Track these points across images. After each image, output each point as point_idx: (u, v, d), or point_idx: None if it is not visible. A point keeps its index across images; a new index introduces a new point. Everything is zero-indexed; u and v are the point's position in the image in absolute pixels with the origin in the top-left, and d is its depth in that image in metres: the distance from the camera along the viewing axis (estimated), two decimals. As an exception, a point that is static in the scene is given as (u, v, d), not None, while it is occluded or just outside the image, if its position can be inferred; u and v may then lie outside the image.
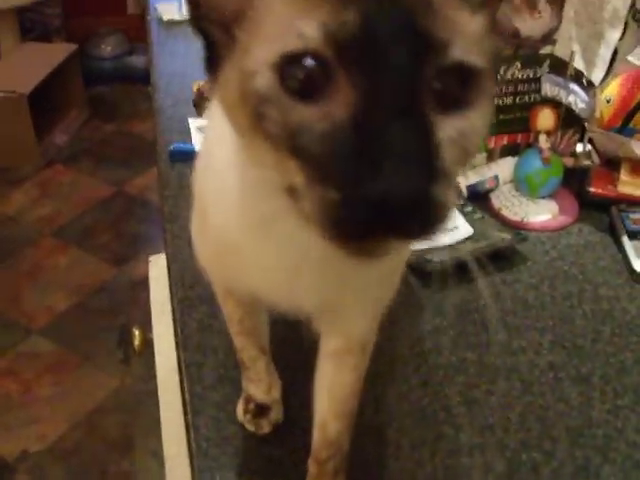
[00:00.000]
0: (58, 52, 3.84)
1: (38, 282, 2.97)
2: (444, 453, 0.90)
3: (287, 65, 0.51)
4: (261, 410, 0.94)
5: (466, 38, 0.54)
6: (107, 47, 4.30)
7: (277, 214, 0.60)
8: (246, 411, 0.94)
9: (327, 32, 0.51)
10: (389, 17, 0.51)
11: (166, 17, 1.99)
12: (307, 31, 0.51)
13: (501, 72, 1.22)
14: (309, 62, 0.51)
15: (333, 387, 0.85)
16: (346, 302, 0.77)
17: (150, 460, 2.27)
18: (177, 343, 1.05)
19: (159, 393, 1.13)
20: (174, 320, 1.08)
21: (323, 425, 0.86)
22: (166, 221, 1.22)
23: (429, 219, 0.51)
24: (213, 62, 0.58)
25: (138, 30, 4.32)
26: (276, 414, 0.95)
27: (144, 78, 4.20)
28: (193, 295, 1.09)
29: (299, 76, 0.51)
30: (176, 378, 1.05)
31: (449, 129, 0.53)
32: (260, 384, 0.94)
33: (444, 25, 0.52)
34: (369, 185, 0.48)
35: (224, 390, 0.97)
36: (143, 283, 2.84)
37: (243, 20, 0.55)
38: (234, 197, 0.69)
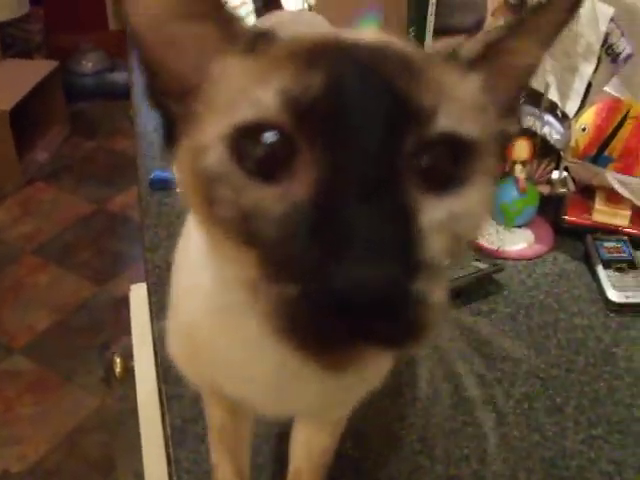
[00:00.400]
0: (39, 69, 3.84)
1: (19, 300, 2.97)
2: (418, 486, 0.92)
3: (241, 138, 0.45)
4: None
5: (456, 104, 0.47)
6: (88, 63, 4.31)
7: (242, 312, 0.50)
8: None
9: (286, 98, 0.44)
10: (360, 80, 0.45)
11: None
12: (263, 98, 0.44)
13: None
14: (267, 135, 0.44)
15: (309, 446, 0.84)
16: (330, 402, 0.71)
17: (132, 480, 2.27)
18: (158, 375, 1.06)
19: (140, 421, 1.14)
20: (155, 352, 1.08)
21: (298, 474, 0.85)
22: (146, 250, 1.23)
23: (409, 321, 0.42)
24: (171, 138, 0.51)
25: (120, 46, 4.33)
26: None
27: (126, 94, 4.19)
28: (174, 326, 1.10)
29: (255, 151, 0.44)
30: (157, 407, 1.06)
31: (437, 212, 0.45)
32: None
33: (428, 89, 0.46)
34: (330, 276, 0.40)
35: (205, 423, 0.98)
36: (124, 301, 2.84)
37: (199, 92, 0.49)
38: (201, 290, 0.61)
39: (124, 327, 2.61)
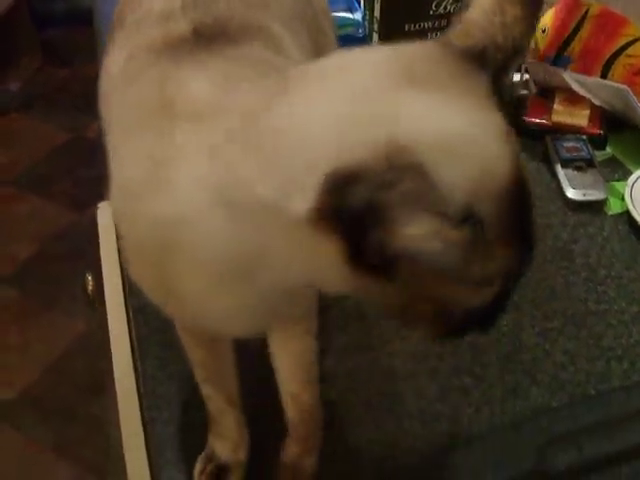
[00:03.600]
0: (4, -2, 3.76)
1: (-1, 231, 2.97)
2: (378, 379, 0.94)
3: None
4: (219, 474, 0.89)
5: None
6: (57, -12, 4.22)
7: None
8: (202, 472, 0.89)
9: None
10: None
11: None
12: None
13: (433, 7, 1.24)
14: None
15: (293, 356, 0.86)
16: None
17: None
18: (124, 288, 1.08)
19: (110, 336, 1.15)
20: (121, 266, 1.10)
21: (295, 398, 0.87)
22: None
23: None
24: None
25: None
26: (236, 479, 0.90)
27: (97, 20, 4.10)
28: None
29: None
30: (124, 320, 1.09)
31: None
32: (227, 442, 0.90)
33: None
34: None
35: (172, 330, 0.99)
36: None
37: None
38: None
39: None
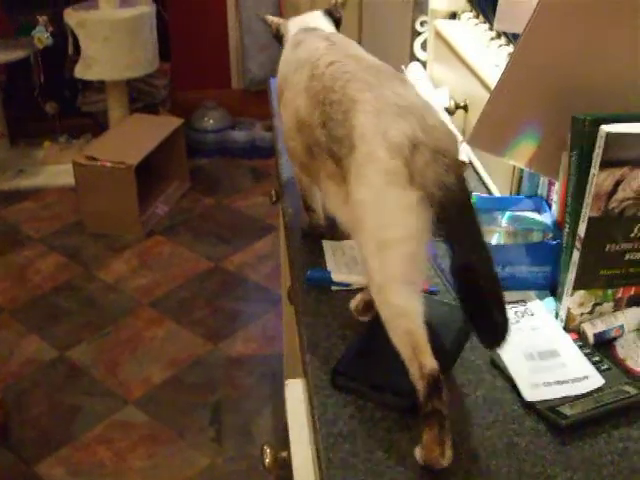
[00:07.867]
0: (165, 124, 4.00)
1: (135, 352, 3.08)
2: None
3: None
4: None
5: None
6: (210, 120, 4.45)
7: None
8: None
9: None
10: None
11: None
12: None
13: (635, 231, 1.27)
14: None
15: None
16: None
17: None
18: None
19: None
20: (318, 457, 1.12)
21: None
22: (306, 351, 1.28)
23: None
24: None
25: (241, 105, 4.48)
26: None
27: (245, 153, 4.34)
28: (335, 431, 1.14)
29: None
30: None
31: None
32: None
33: None
34: None
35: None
36: (238, 362, 2.92)
37: None
38: None
39: (237, 389, 2.69)
